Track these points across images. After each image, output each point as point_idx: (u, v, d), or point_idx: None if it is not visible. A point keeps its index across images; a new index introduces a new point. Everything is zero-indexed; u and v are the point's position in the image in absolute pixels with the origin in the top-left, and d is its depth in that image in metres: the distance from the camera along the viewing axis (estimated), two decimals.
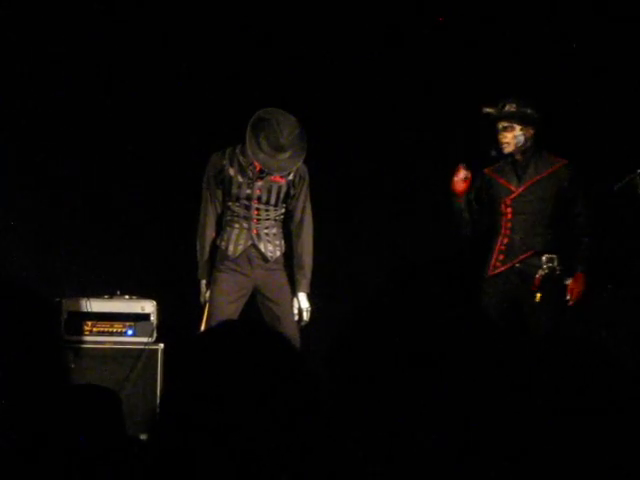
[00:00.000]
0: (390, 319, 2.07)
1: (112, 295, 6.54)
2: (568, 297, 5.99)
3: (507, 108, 6.10)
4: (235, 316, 5.86)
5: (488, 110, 6.14)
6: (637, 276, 6.44)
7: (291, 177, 6.03)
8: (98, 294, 6.50)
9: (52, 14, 6.91)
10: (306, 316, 6.08)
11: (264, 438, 1.84)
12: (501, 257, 6.11)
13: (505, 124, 6.11)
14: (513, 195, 6.13)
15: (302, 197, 6.10)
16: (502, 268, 6.09)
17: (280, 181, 6.02)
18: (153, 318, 6.46)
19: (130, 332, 6.42)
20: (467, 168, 6.16)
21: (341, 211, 7.22)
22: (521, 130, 6.09)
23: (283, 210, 6.10)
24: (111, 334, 6.36)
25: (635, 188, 6.01)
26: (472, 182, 6.18)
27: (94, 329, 6.40)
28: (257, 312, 6.04)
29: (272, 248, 6.04)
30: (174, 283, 6.86)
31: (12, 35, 6.87)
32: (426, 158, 7.14)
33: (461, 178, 6.16)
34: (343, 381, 2.03)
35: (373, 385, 2.01)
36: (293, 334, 5.80)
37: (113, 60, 6.98)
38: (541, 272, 5.95)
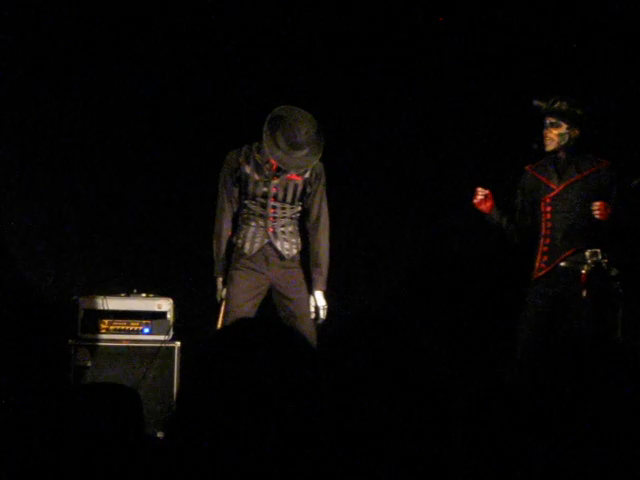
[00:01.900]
0: (396, 320, 2.07)
1: (129, 293, 6.56)
2: (595, 209, 5.86)
3: (558, 105, 6.03)
4: (251, 314, 5.85)
5: (539, 103, 6.06)
6: None
7: (307, 175, 6.02)
8: (115, 292, 6.51)
9: (61, 14, 6.93)
10: (323, 314, 6.06)
11: (279, 435, 1.84)
12: (545, 258, 6.06)
13: (553, 120, 6.04)
14: (553, 193, 6.09)
15: (318, 195, 6.08)
16: (547, 269, 6.04)
17: (296, 179, 6.00)
18: (170, 316, 6.47)
19: (147, 330, 6.43)
20: (483, 187, 6.12)
21: (357, 208, 7.21)
22: (567, 129, 6.03)
23: (299, 208, 6.09)
24: (128, 332, 6.37)
25: None
26: (494, 196, 6.13)
27: (111, 327, 6.41)
28: (273, 310, 6.04)
29: (288, 246, 6.03)
30: (191, 281, 6.87)
31: (12, 34, 6.90)
32: (445, 154, 7.13)
33: (481, 198, 6.12)
34: (346, 381, 2.03)
35: (374, 385, 2.00)
36: (310, 332, 5.80)
37: (128, 57, 6.99)
38: (587, 267, 5.85)
